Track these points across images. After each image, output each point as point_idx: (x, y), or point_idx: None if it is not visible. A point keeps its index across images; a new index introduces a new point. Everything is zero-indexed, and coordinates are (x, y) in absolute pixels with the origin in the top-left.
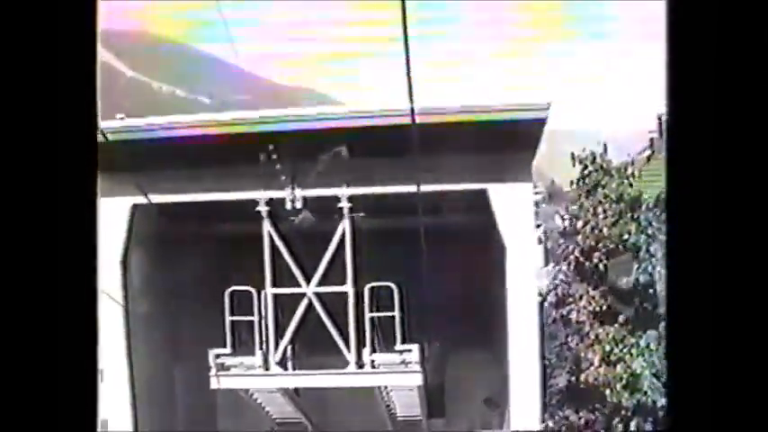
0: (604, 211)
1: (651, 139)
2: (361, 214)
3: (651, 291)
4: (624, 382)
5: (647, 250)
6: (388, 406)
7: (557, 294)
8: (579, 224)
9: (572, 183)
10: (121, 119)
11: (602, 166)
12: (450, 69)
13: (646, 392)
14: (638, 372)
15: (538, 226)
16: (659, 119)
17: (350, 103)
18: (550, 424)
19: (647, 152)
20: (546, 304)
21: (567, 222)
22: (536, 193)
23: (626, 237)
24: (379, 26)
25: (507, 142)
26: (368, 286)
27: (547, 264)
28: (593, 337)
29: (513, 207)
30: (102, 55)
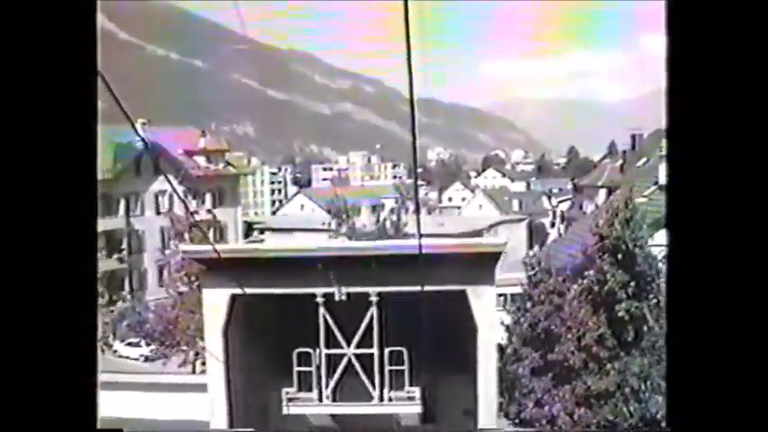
0: (540, 305)
1: (623, 152)
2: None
3: (566, 364)
4: (547, 419)
5: (567, 337)
6: (396, 419)
7: (513, 350)
8: (528, 305)
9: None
10: (144, 124)
11: (543, 268)
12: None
13: (561, 428)
14: (556, 413)
15: (523, 214)
16: (632, 137)
17: (338, 62)
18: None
19: (619, 161)
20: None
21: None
22: (527, 163)
23: (553, 327)
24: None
25: (479, 262)
26: (387, 349)
27: (531, 246)
28: (530, 387)
29: (482, 301)
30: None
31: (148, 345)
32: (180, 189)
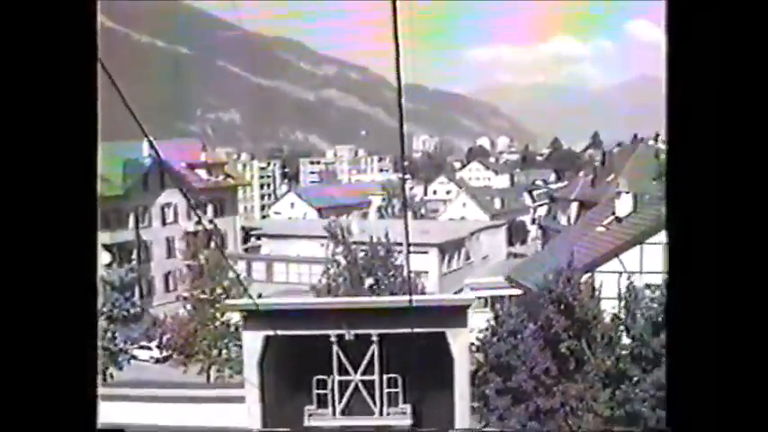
0: (502, 342)
1: (594, 167)
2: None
3: (521, 389)
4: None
5: (521, 368)
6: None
7: (483, 374)
8: (494, 339)
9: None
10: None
11: (506, 312)
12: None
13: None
14: (513, 425)
15: (505, 213)
16: (603, 153)
17: (323, 48)
18: None
19: (590, 176)
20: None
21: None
22: (512, 152)
23: (511, 361)
24: None
25: (454, 312)
26: (386, 376)
27: (512, 244)
28: (494, 404)
29: (457, 340)
30: None
31: (159, 348)
32: (184, 202)
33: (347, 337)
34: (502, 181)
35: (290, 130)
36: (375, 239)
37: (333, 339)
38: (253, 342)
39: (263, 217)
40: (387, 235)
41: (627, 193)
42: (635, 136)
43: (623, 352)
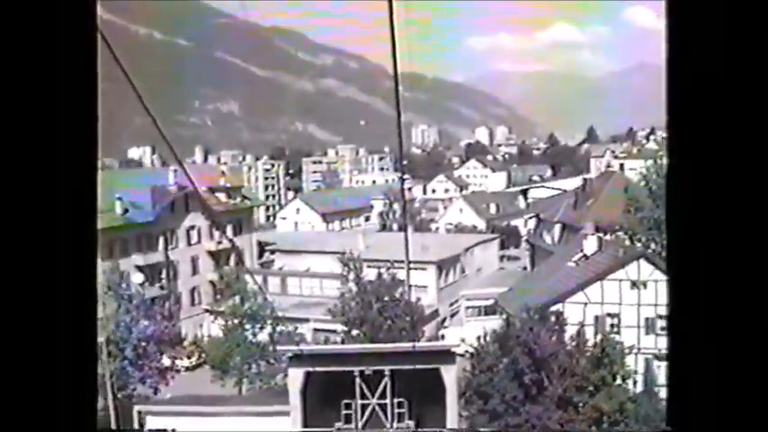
0: (482, 374)
1: (575, 190)
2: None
3: (495, 410)
4: None
5: (494, 395)
6: None
7: (469, 398)
8: (477, 371)
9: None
10: (174, 171)
11: (485, 351)
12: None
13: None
14: None
15: (498, 216)
16: (583, 180)
17: (321, 38)
18: None
19: (572, 199)
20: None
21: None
22: (510, 145)
23: (487, 390)
24: None
25: (445, 353)
26: (395, 400)
27: (505, 247)
28: (476, 422)
29: (448, 373)
30: None
31: (188, 358)
32: (207, 224)
33: (366, 372)
34: (499, 178)
35: (289, 121)
36: (380, 257)
37: (356, 374)
38: (296, 375)
39: (268, 218)
40: (392, 262)
41: (592, 234)
42: (630, 129)
43: (571, 383)
